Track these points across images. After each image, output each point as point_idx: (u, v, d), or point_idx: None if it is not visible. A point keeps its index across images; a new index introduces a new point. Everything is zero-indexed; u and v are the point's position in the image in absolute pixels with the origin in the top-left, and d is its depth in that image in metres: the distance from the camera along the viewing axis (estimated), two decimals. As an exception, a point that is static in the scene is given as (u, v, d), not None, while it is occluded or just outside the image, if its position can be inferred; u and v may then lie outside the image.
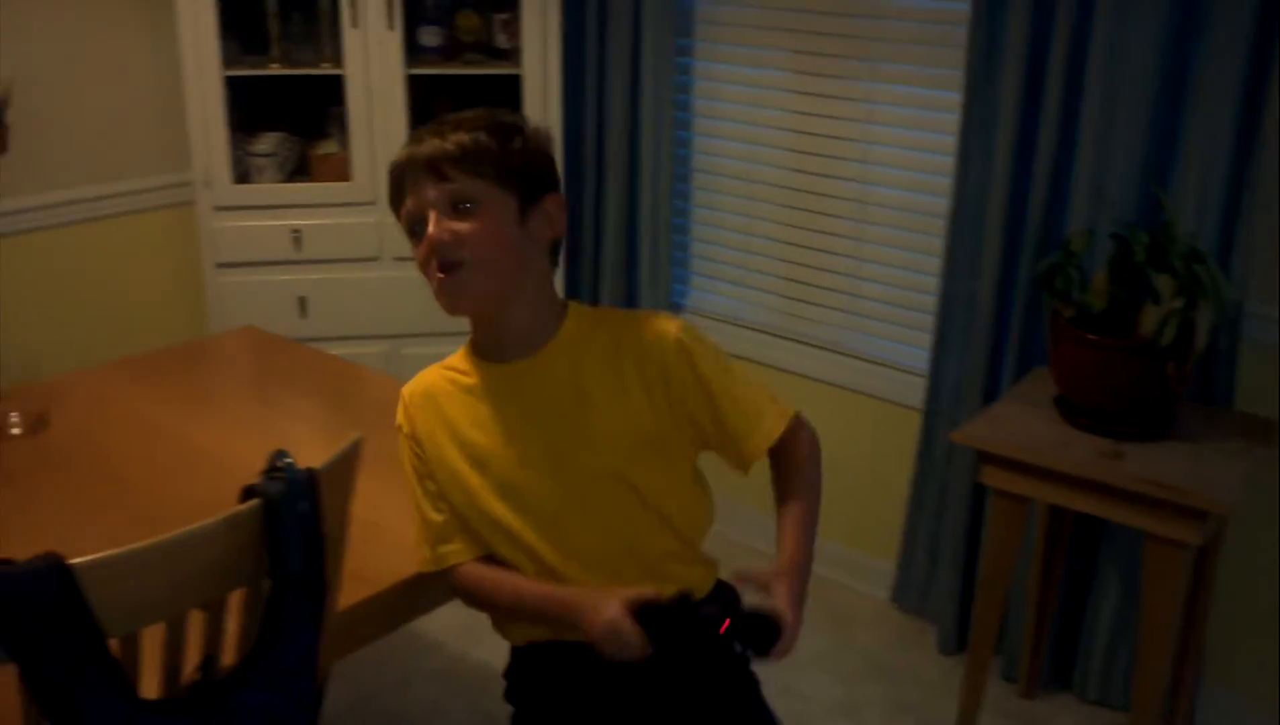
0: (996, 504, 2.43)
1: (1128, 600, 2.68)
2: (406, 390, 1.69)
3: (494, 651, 2.95)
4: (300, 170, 3.28)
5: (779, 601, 1.48)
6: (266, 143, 3.21)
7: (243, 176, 3.20)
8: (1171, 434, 2.34)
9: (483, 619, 3.22)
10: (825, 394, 3.20)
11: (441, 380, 1.67)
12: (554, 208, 1.60)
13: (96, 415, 2.22)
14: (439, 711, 2.79)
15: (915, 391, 2.97)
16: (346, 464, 1.45)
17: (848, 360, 3.15)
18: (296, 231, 3.18)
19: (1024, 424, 2.39)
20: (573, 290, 3.51)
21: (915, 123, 2.92)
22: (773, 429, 1.67)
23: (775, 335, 3.28)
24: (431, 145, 1.54)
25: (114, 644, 1.24)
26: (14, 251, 3.10)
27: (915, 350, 3.02)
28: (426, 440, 1.65)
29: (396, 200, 1.59)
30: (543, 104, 3.18)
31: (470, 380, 1.64)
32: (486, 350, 1.64)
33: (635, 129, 3.31)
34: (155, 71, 3.28)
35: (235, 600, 1.38)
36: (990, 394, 2.76)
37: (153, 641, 1.31)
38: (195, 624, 1.35)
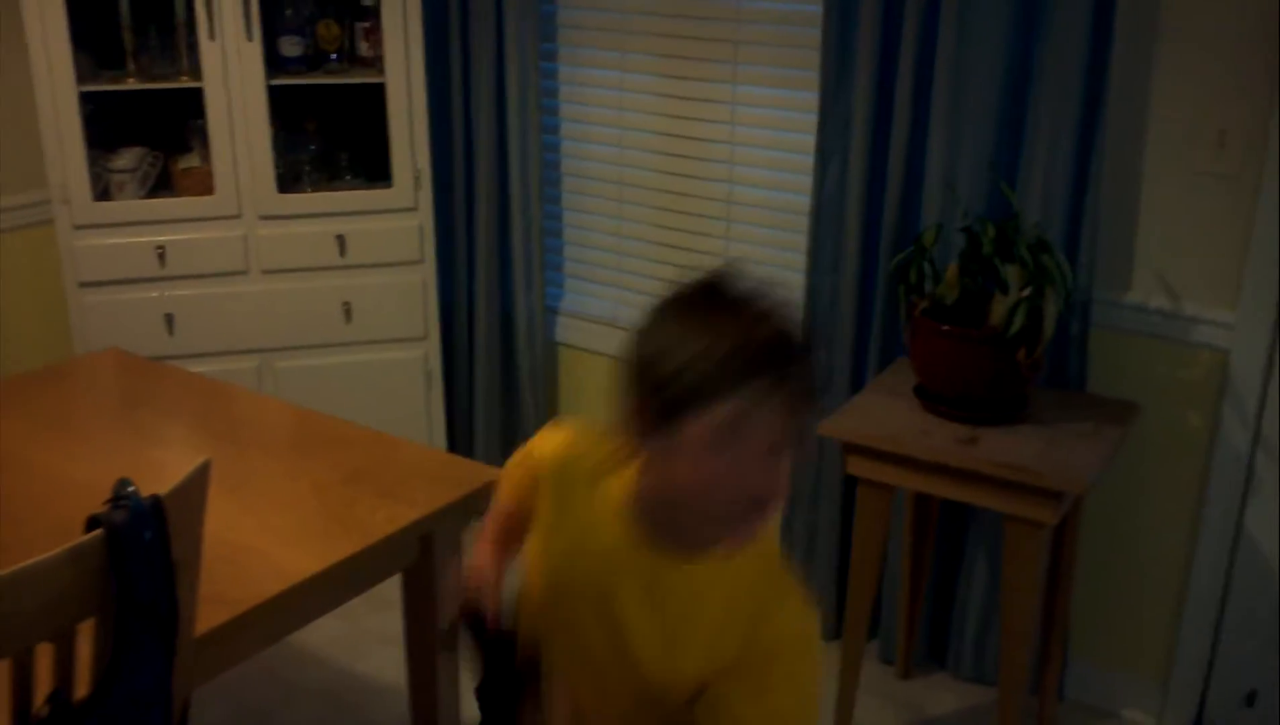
0: (863, 492, 2.49)
1: (995, 580, 2.77)
2: (551, 451, 1.47)
3: (378, 666, 2.97)
4: (162, 185, 3.22)
5: None
6: (126, 158, 3.15)
7: (103, 193, 3.13)
8: (1026, 418, 2.42)
9: (367, 631, 3.20)
10: (701, 391, 3.24)
11: (581, 478, 1.42)
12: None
13: (-52, 445, 2.16)
14: (324, 727, 2.78)
15: (786, 385, 3.02)
16: (195, 488, 1.44)
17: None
18: (160, 248, 3.12)
19: (886, 413, 2.46)
20: (447, 295, 3.50)
21: (777, 123, 2.98)
22: None
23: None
24: (805, 377, 1.23)
25: (-45, 683, 1.22)
26: None
27: (786, 345, 3.07)
28: (554, 474, 1.45)
29: (743, 398, 1.18)
30: (408, 111, 3.17)
31: (602, 517, 1.37)
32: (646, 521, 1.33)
33: (503, 133, 3.31)
34: (7, 88, 3.19)
35: (85, 630, 1.36)
36: (856, 385, 2.83)
37: (0, 677, 1.30)
38: (44, 656, 1.33)
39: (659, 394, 1.20)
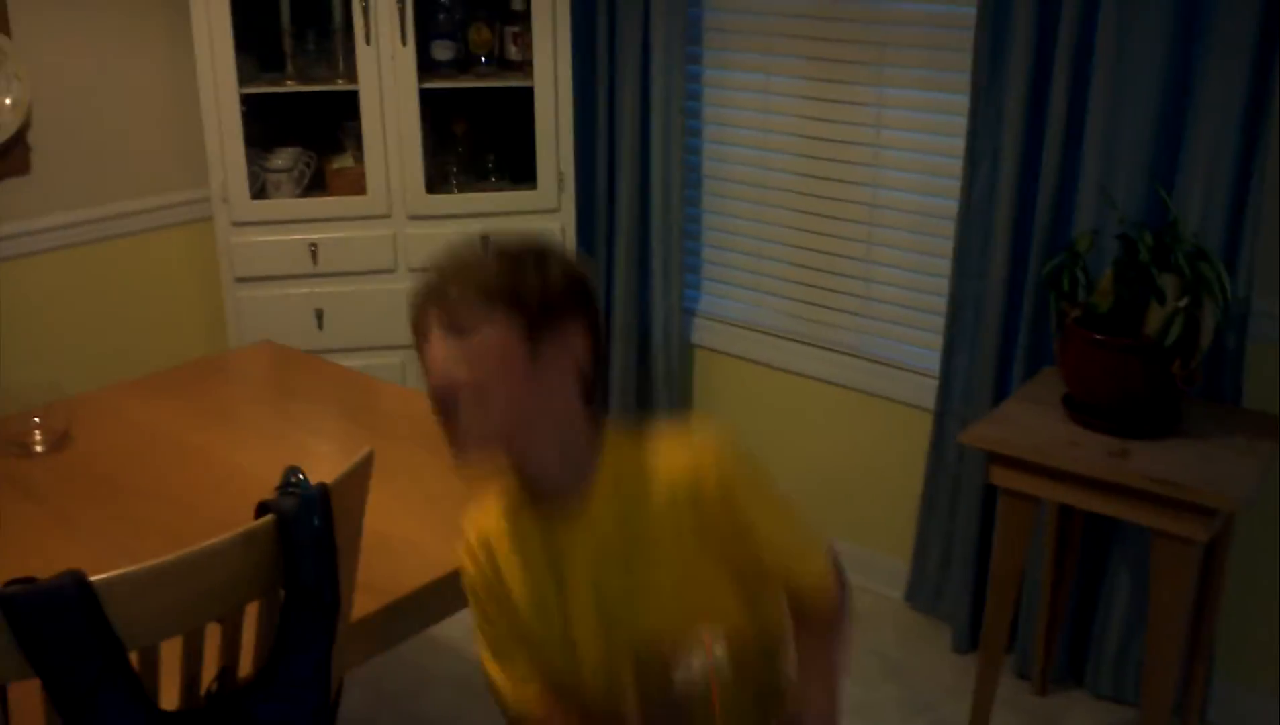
0: (1005, 503, 2.45)
1: (1139, 596, 2.69)
2: (469, 532, 1.52)
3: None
4: (316, 185, 3.33)
5: None
6: (283, 158, 3.26)
7: (260, 192, 3.25)
8: (1178, 432, 2.35)
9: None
10: (838, 396, 3.23)
11: (495, 527, 1.50)
12: (577, 331, 1.38)
13: (117, 432, 2.27)
14: (458, 716, 2.83)
15: (927, 392, 2.99)
16: (358, 478, 1.49)
17: (860, 362, 3.17)
18: (313, 245, 3.22)
19: (1032, 424, 2.41)
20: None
21: (924, 126, 2.95)
22: (815, 575, 1.51)
23: (787, 338, 3.31)
24: (443, 298, 1.35)
25: (134, 657, 1.28)
26: (36, 270, 3.16)
27: (926, 352, 3.04)
28: (484, 592, 1.51)
29: (418, 351, 1.39)
30: (554, 113, 3.22)
31: (518, 527, 1.48)
32: (528, 497, 1.47)
33: (646, 136, 3.34)
34: (172, 90, 3.33)
35: (251, 613, 1.42)
36: (1000, 394, 2.78)
37: (171, 654, 1.36)
38: (212, 636, 1.39)
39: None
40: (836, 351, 3.21)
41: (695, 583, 1.43)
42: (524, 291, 1.32)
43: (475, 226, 3.25)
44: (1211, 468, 2.23)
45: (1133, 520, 2.30)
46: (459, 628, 3.09)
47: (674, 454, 1.42)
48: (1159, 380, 2.29)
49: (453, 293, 1.32)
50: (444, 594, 1.81)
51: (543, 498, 1.44)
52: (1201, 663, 2.62)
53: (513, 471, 1.44)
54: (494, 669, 1.53)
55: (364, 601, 1.66)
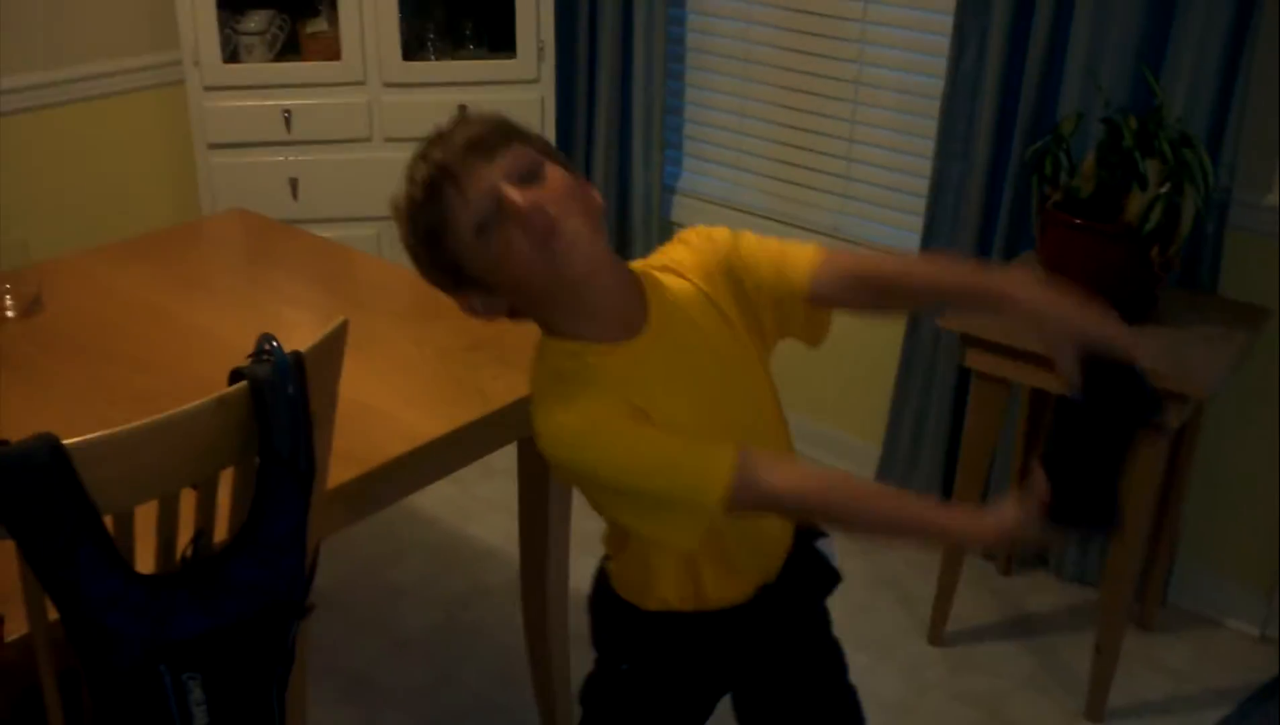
0: (978, 386, 2.47)
1: (1107, 481, 2.73)
2: (571, 413, 1.37)
3: (487, 530, 3.05)
4: (290, 49, 3.25)
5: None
6: (255, 21, 3.17)
7: (232, 55, 3.17)
8: (1154, 318, 2.37)
9: (477, 497, 3.29)
10: (816, 277, 3.22)
11: (586, 374, 1.38)
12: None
13: (89, 297, 2.24)
14: (436, 583, 2.88)
15: (905, 275, 2.98)
16: (333, 346, 1.48)
17: (839, 242, 3.16)
18: (287, 112, 3.16)
19: (1008, 308, 2.41)
20: (565, 172, 3.50)
21: (913, 2, 2.89)
22: (809, 254, 1.46)
23: (767, 218, 3.28)
24: (458, 138, 1.33)
25: (109, 521, 1.29)
26: (2, 133, 3.09)
27: (906, 234, 3.03)
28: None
29: (436, 215, 1.33)
30: (534, -18, 3.14)
31: (608, 361, 1.38)
32: (599, 332, 1.38)
33: (629, 6, 3.26)
34: (141, -54, 3.23)
35: (226, 478, 1.42)
36: (978, 278, 2.78)
37: (147, 519, 1.36)
38: (187, 502, 1.39)
39: (433, 262, 1.39)
40: (816, 231, 3.19)
41: (755, 364, 1.48)
42: (526, 131, 1.37)
43: (453, 96, 3.18)
44: (1183, 355, 2.25)
45: (1104, 405, 2.32)
46: (434, 497, 3.13)
47: (678, 256, 1.46)
48: (1137, 266, 2.29)
49: (459, 136, 1.33)
50: (420, 464, 1.83)
51: (605, 322, 1.38)
52: (1165, 547, 2.68)
53: (586, 300, 1.36)
54: (679, 452, 1.35)
55: (340, 469, 1.66)
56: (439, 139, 1.35)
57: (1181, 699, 2.58)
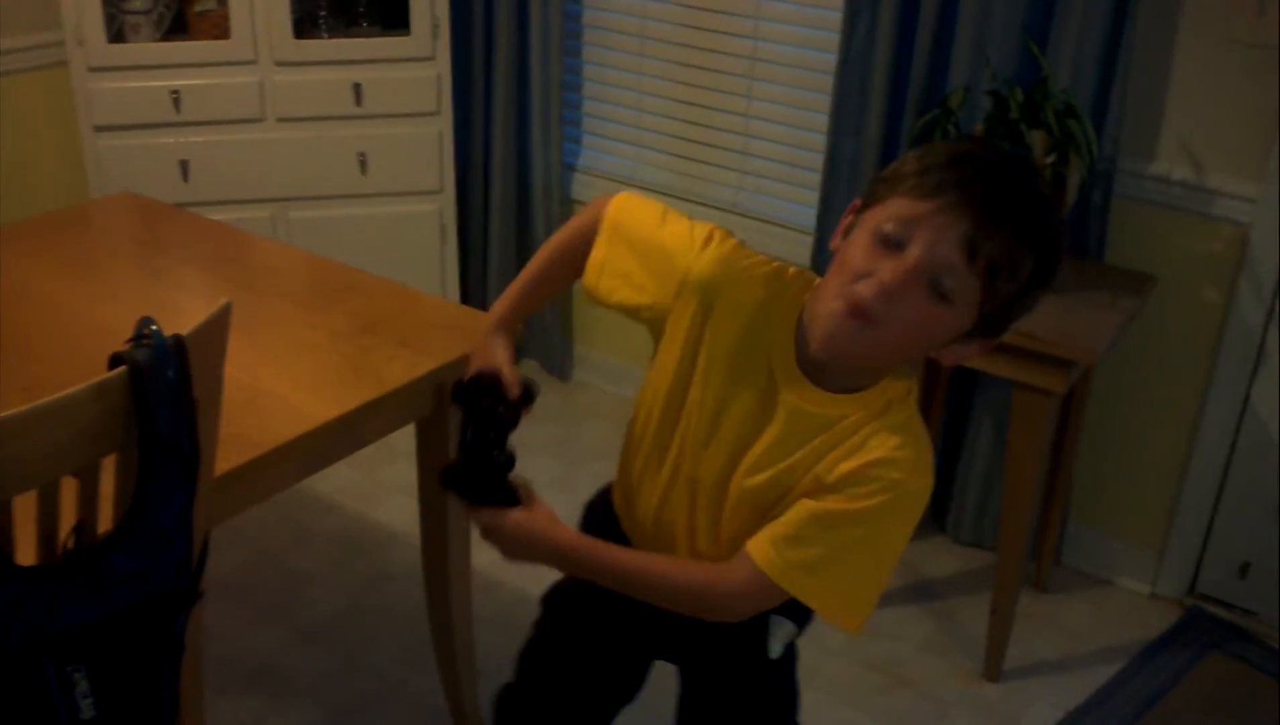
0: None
1: (999, 447, 2.80)
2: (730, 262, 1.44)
3: (390, 514, 3.02)
4: (177, 28, 3.17)
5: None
6: (141, -1, 3.10)
7: (117, 35, 3.08)
8: (1042, 287, 2.41)
9: (379, 481, 3.26)
10: (717, 252, 3.23)
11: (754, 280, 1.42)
12: (980, 351, 1.36)
13: (-31, 284, 2.18)
14: (339, 569, 2.85)
15: (803, 249, 3.01)
16: (216, 329, 1.45)
17: (738, 219, 3.17)
18: (175, 92, 3.09)
19: (902, 280, 2.45)
20: (463, 149, 3.47)
21: (804, -22, 2.91)
22: (742, 579, 1.42)
23: (666, 194, 3.29)
24: (991, 215, 1.23)
25: (-16, 512, 1.25)
26: (-124, 115, 2.98)
27: (803, 208, 3.06)
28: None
29: (902, 188, 1.27)
30: (427, -42, 3.10)
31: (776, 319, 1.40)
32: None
33: (524, -16, 3.25)
34: (17, -78, 3.13)
35: (109, 466, 1.39)
36: (874, 250, 2.81)
37: (27, 510, 1.33)
38: (69, 491, 1.36)
39: (871, 184, 1.33)
40: (715, 207, 3.21)
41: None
42: (1007, 303, 1.30)
43: (346, 75, 3.15)
44: (1072, 321, 2.30)
45: (993, 372, 2.38)
46: (337, 482, 3.10)
47: (880, 441, 1.36)
48: (1025, 236, 2.33)
49: (974, 265, 1.24)
50: (313, 447, 1.80)
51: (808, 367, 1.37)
52: (1057, 509, 2.75)
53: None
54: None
55: (230, 455, 1.63)
56: (1001, 185, 1.26)
57: (1076, 657, 2.66)
